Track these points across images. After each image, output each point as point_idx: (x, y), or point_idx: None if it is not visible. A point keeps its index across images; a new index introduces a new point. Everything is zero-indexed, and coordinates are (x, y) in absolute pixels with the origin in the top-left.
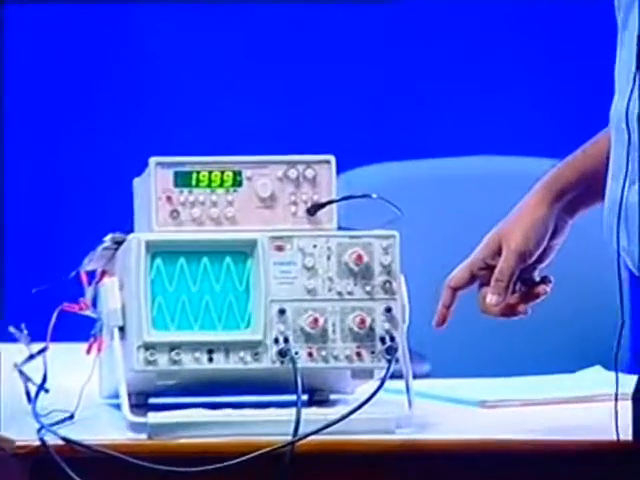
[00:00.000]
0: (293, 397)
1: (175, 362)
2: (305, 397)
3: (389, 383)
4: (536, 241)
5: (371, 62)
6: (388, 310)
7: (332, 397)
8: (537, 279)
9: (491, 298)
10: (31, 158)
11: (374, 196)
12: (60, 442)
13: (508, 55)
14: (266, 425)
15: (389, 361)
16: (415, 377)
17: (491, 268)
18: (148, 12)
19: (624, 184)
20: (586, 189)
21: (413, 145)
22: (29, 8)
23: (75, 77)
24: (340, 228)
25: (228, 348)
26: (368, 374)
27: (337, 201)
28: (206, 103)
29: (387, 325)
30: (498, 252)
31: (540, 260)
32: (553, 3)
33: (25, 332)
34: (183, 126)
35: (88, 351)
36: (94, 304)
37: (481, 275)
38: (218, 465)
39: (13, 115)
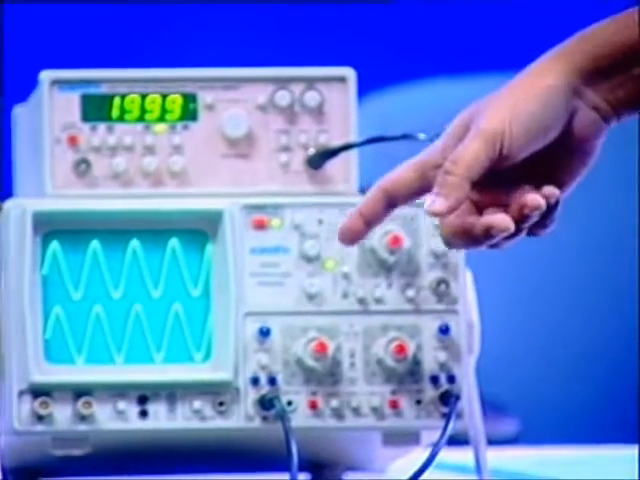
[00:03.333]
0: (284, 477)
1: (84, 418)
2: (306, 476)
3: (447, 453)
4: (528, 124)
5: (371, 62)
6: (444, 330)
7: (350, 477)
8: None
9: (433, 202)
10: None
11: (422, 137)
12: None
13: (508, 53)
14: None
15: (447, 417)
16: (493, 443)
17: None
18: (148, 12)
19: None
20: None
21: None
22: (29, 8)
23: None
24: (363, 190)
25: (174, 394)
26: (411, 439)
27: (359, 145)
28: None
29: (443, 356)
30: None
31: (545, 174)
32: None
33: None
34: None
35: None
36: None
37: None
38: None
39: None
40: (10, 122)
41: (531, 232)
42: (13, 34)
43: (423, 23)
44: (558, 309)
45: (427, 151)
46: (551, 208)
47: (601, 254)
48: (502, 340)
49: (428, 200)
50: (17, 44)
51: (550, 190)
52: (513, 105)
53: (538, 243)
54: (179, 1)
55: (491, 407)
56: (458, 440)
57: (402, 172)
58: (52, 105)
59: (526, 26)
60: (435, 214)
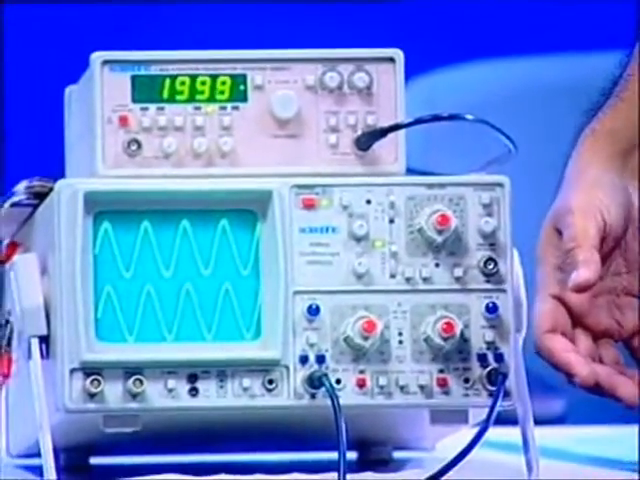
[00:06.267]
0: (333, 455)
1: (135, 396)
2: (353, 455)
3: (494, 432)
4: (612, 196)
5: (415, 47)
6: (492, 309)
7: (397, 455)
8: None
9: (576, 276)
10: (32, 157)
11: (469, 117)
12: None
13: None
14: None
15: (495, 395)
16: (539, 422)
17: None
18: (149, 12)
19: None
20: None
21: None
22: (29, 8)
23: (75, 77)
24: (411, 171)
25: (224, 373)
26: (458, 417)
27: (408, 125)
28: None
29: (490, 334)
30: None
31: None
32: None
33: None
34: None
35: None
36: None
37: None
38: None
39: (14, 115)
40: (8, 119)
41: None
42: (13, 34)
43: (465, 12)
44: None
45: (549, 283)
46: None
47: None
48: None
49: (572, 275)
50: (17, 44)
51: None
52: (587, 196)
53: None
54: (180, 1)
55: (539, 386)
56: (506, 419)
57: (547, 316)
58: (103, 86)
59: (561, 10)
60: (583, 284)
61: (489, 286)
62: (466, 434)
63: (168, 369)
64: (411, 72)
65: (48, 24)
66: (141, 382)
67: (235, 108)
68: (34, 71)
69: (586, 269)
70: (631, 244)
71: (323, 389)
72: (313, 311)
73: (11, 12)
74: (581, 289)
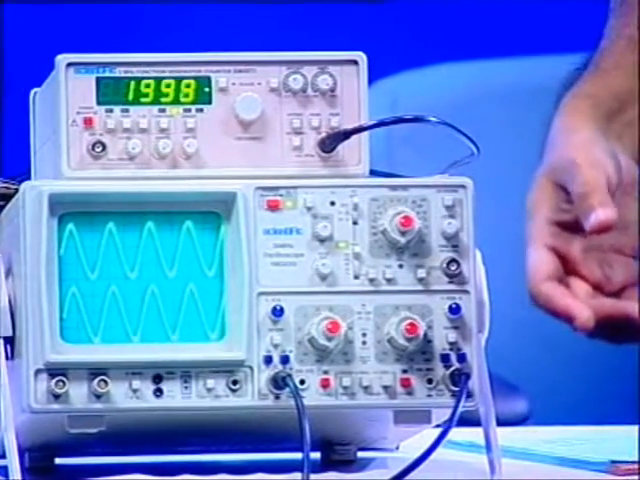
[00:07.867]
0: (297, 455)
1: (99, 397)
2: (317, 455)
3: (458, 433)
4: (605, 162)
5: (371, 62)
6: (455, 310)
7: (361, 455)
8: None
9: (595, 216)
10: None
11: (432, 119)
12: None
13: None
14: None
15: (458, 396)
16: (502, 423)
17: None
18: (149, 12)
19: None
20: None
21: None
22: (29, 8)
23: None
24: (374, 173)
25: (188, 373)
26: (422, 417)
27: (371, 127)
28: None
29: (453, 335)
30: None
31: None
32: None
33: None
34: None
35: None
36: None
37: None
38: None
39: (13, 115)
40: (8, 119)
41: None
42: (13, 34)
43: (429, 15)
44: None
45: (543, 234)
46: None
47: None
48: (510, 320)
49: (592, 215)
50: (17, 44)
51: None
52: (587, 151)
53: None
54: (180, 1)
55: (502, 387)
56: (470, 420)
57: (543, 265)
58: (68, 88)
59: (524, 13)
60: (605, 222)
61: (452, 287)
62: (429, 434)
63: (133, 370)
64: (375, 74)
65: (48, 24)
66: (106, 383)
67: (199, 110)
68: (34, 71)
69: (607, 209)
70: (619, 203)
71: (287, 390)
72: (277, 312)
73: (11, 12)
74: (602, 229)
